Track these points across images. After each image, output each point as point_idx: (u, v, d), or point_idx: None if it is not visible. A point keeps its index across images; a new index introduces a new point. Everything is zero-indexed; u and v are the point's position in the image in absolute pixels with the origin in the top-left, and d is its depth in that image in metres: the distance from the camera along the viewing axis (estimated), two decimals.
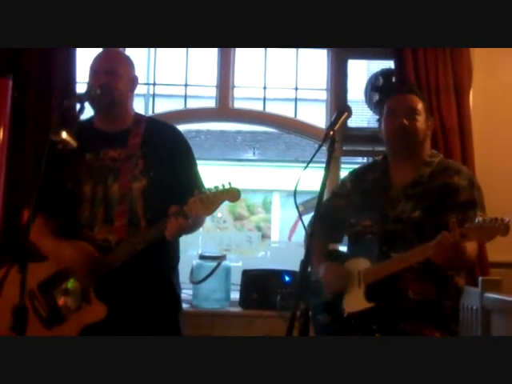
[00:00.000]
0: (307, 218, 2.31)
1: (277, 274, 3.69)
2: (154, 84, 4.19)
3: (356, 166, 2.85)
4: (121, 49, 3.58)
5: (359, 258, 2.50)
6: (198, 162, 2.65)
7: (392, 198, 2.53)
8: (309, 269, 1.85)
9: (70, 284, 2.47)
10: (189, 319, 2.81)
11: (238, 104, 4.05)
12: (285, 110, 4.12)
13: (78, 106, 2.39)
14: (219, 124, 8.43)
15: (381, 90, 3.81)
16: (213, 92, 4.01)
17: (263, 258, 5.63)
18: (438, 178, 2.50)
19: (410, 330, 2.39)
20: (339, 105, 3.74)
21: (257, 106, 4.10)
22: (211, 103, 4.06)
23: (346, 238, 2.76)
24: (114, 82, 2.50)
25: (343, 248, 3.08)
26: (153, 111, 4.14)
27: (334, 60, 3.93)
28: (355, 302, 2.45)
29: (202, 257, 3.76)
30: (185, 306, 2.99)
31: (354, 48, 3.75)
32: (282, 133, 6.73)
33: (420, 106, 2.53)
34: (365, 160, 4.16)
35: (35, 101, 3.51)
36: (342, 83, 3.94)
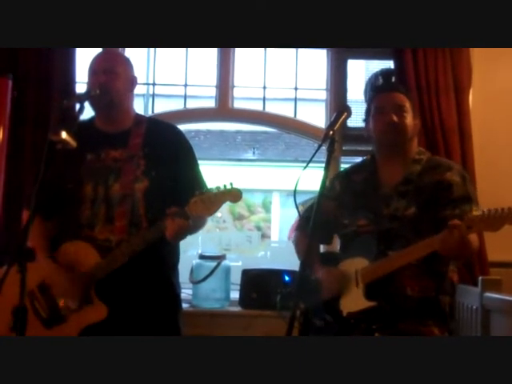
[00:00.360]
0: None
1: (276, 274, 3.69)
2: (154, 84, 4.19)
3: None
4: (120, 49, 3.61)
5: (356, 258, 2.49)
6: (198, 161, 2.65)
7: (384, 196, 2.53)
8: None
9: None
10: (188, 319, 2.81)
11: (237, 104, 4.05)
12: (284, 110, 4.12)
13: (77, 106, 2.38)
14: (219, 124, 8.44)
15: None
16: (212, 92, 4.01)
17: (263, 258, 5.64)
18: (428, 175, 2.52)
19: (409, 328, 2.39)
20: (339, 105, 3.75)
21: (256, 106, 4.10)
22: (211, 103, 4.06)
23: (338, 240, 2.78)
24: (112, 82, 2.50)
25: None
26: (152, 111, 4.14)
27: (333, 60, 3.93)
28: (354, 301, 2.45)
29: (201, 256, 3.76)
30: (184, 305, 2.98)
31: (353, 48, 3.75)
32: (281, 133, 6.74)
33: (407, 103, 2.54)
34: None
35: (35, 101, 3.51)
36: (342, 83, 3.94)
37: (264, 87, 4.08)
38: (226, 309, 3.70)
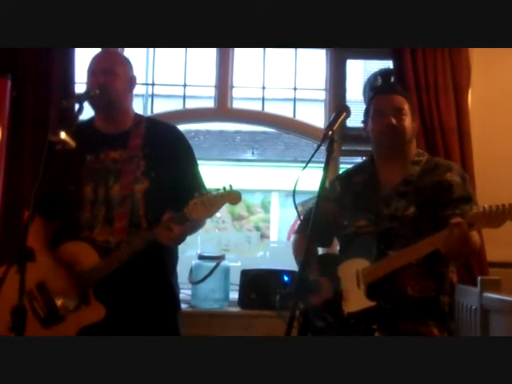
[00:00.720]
0: None
1: (276, 274, 3.69)
2: (153, 84, 4.19)
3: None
4: (120, 49, 3.60)
5: (356, 259, 2.50)
6: (197, 161, 2.65)
7: (384, 196, 2.54)
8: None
9: None
10: (187, 319, 2.81)
11: (236, 104, 4.04)
12: (284, 110, 4.12)
13: (76, 107, 2.38)
14: (218, 124, 8.43)
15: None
16: (212, 92, 4.01)
17: (262, 258, 5.65)
18: (428, 176, 2.52)
19: (409, 328, 2.39)
20: (338, 105, 3.74)
21: (256, 106, 4.10)
22: (210, 103, 4.06)
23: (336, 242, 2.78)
24: (111, 82, 2.50)
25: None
26: (151, 111, 4.14)
27: (332, 60, 3.93)
28: (355, 301, 2.45)
29: (200, 257, 3.76)
30: (183, 306, 2.99)
31: (352, 48, 3.75)
32: (280, 133, 6.73)
33: (406, 106, 2.55)
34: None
35: (34, 101, 3.50)
36: (341, 83, 3.94)
37: (263, 87, 4.07)
38: (225, 309, 3.69)
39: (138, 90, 2.73)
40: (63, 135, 2.11)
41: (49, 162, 2.07)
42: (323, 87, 4.01)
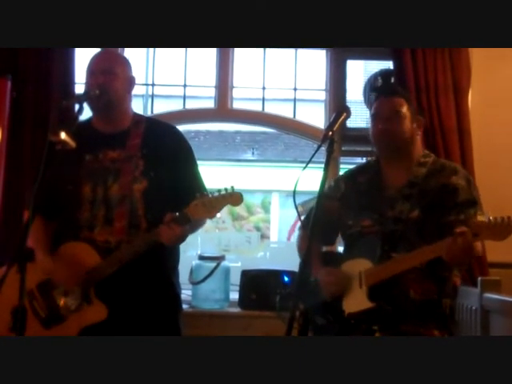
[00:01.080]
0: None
1: (276, 275, 3.69)
2: (153, 84, 4.19)
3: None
4: (119, 49, 3.60)
5: (359, 259, 2.49)
6: (197, 162, 2.65)
7: (389, 198, 2.54)
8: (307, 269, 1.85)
9: None
10: (188, 320, 2.81)
11: (236, 104, 4.04)
12: (284, 111, 4.12)
13: (76, 107, 2.38)
14: (218, 124, 8.44)
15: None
16: (212, 92, 4.01)
17: (262, 259, 5.65)
18: (434, 178, 2.52)
19: (410, 329, 2.39)
20: (338, 105, 3.74)
21: (256, 107, 4.10)
22: (210, 104, 4.06)
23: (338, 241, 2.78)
24: (110, 82, 2.50)
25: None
26: (151, 112, 4.14)
27: (332, 60, 3.93)
28: (356, 302, 2.45)
29: (201, 257, 3.76)
30: (184, 306, 2.98)
31: (352, 48, 3.75)
32: (280, 133, 6.73)
33: (404, 108, 2.53)
34: (364, 160, 4.15)
35: (34, 101, 3.50)
36: (341, 83, 3.94)
37: (263, 88, 4.07)
38: (225, 310, 3.69)
39: (138, 90, 2.73)
40: (63, 135, 2.11)
41: (49, 162, 2.07)
42: (323, 88, 4.01)
